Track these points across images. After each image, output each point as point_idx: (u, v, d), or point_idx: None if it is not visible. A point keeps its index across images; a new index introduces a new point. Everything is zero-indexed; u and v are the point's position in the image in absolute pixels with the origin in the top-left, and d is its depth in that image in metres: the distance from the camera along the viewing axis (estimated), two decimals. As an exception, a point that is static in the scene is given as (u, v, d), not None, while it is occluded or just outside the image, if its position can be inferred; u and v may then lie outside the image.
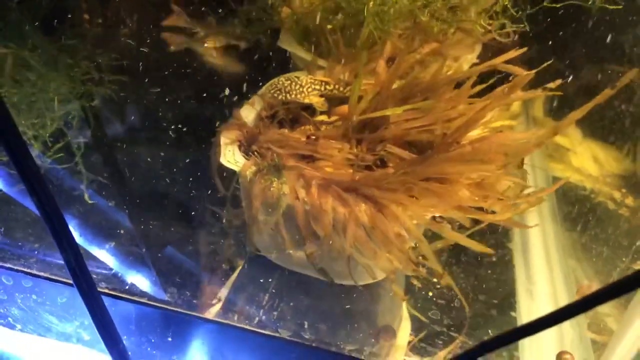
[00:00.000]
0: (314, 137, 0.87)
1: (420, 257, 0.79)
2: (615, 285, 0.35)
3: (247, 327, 0.80)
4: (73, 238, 0.61)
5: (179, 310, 0.79)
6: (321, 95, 0.91)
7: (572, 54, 1.12)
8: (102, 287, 0.79)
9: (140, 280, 0.85)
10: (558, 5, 0.93)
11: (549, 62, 0.85)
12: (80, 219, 0.91)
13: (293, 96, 0.88)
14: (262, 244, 0.89)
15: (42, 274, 0.77)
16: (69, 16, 0.93)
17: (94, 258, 0.88)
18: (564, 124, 0.73)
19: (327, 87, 0.90)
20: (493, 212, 0.75)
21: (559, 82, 0.91)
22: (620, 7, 0.92)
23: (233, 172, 0.81)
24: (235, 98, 0.93)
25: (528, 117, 1.23)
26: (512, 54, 0.87)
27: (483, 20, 0.95)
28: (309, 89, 0.89)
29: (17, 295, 0.81)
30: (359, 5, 0.93)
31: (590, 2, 0.93)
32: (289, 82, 0.88)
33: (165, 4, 1.05)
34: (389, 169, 0.83)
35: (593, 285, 0.95)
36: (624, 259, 0.96)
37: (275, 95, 0.89)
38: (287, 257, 0.86)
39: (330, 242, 0.75)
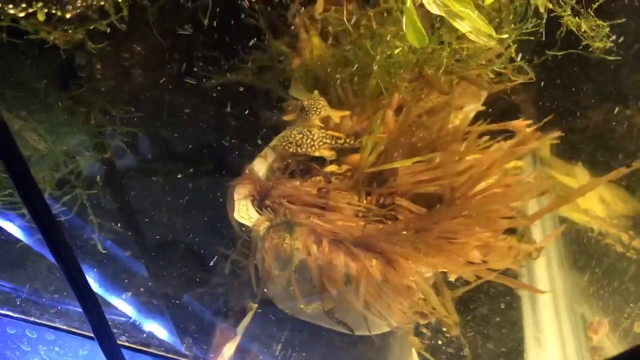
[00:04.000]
0: (324, 190, 0.90)
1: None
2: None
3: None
4: (95, 297, 0.64)
5: (195, 363, 0.82)
6: (332, 148, 0.94)
7: (576, 97, 1.15)
8: (121, 340, 0.82)
9: (157, 329, 0.88)
10: (561, 53, 0.94)
11: (551, 116, 0.88)
12: (98, 269, 0.94)
13: (304, 149, 0.91)
14: (275, 295, 0.91)
15: (64, 327, 0.80)
16: (82, 70, 0.96)
17: (111, 306, 0.91)
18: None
19: (338, 141, 0.93)
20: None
21: (558, 133, 0.93)
22: (619, 58, 0.93)
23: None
24: (250, 146, 0.97)
25: (535, 157, 1.25)
26: (519, 124, 0.89)
27: (489, 70, 0.98)
28: (320, 143, 0.92)
29: (41, 348, 0.84)
30: (366, 57, 0.96)
31: (590, 50, 0.95)
32: (300, 135, 0.91)
33: (177, 51, 1.08)
34: (398, 222, 0.85)
35: (603, 321, 0.96)
36: (631, 305, 0.97)
37: (287, 147, 0.92)
38: (299, 308, 0.88)
39: (344, 297, 0.77)
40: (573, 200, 0.75)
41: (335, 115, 0.93)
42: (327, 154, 0.92)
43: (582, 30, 0.83)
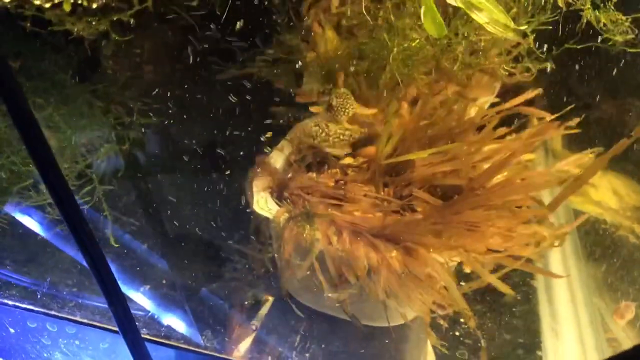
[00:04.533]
0: (342, 182, 0.90)
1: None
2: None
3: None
4: (120, 291, 0.65)
5: (215, 354, 0.82)
6: (347, 144, 0.93)
7: (591, 88, 1.15)
8: (143, 333, 0.82)
9: (176, 322, 0.88)
10: (580, 46, 0.94)
11: (570, 107, 0.88)
12: (117, 262, 0.94)
13: (317, 142, 0.91)
14: (293, 287, 0.92)
15: (85, 320, 0.80)
16: (101, 63, 0.96)
17: (131, 300, 0.91)
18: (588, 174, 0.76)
19: (354, 135, 0.93)
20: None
21: (577, 120, 0.94)
22: (640, 50, 0.93)
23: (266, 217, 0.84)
24: (265, 138, 0.97)
25: (547, 150, 1.25)
26: (529, 94, 0.90)
27: (505, 62, 0.98)
28: (335, 138, 0.91)
29: (61, 341, 0.84)
30: (382, 51, 0.96)
31: (610, 43, 0.94)
32: (317, 128, 0.91)
33: (192, 44, 1.07)
34: (417, 214, 0.85)
35: (631, 306, 0.97)
36: (647, 295, 0.97)
37: (303, 139, 0.92)
38: (317, 299, 0.89)
39: (364, 286, 0.78)
40: (585, 182, 0.75)
41: (363, 112, 0.92)
42: (338, 152, 0.92)
43: (602, 23, 0.83)
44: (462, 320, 0.92)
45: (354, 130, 0.92)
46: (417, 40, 0.90)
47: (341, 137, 0.92)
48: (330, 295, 0.80)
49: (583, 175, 0.77)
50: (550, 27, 0.86)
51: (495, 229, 0.75)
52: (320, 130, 0.91)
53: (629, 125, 1.14)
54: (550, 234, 0.76)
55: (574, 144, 1.22)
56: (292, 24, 1.06)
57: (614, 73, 1.08)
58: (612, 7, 0.80)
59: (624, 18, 0.81)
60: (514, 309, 0.95)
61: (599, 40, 0.89)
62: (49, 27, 0.63)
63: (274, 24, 1.04)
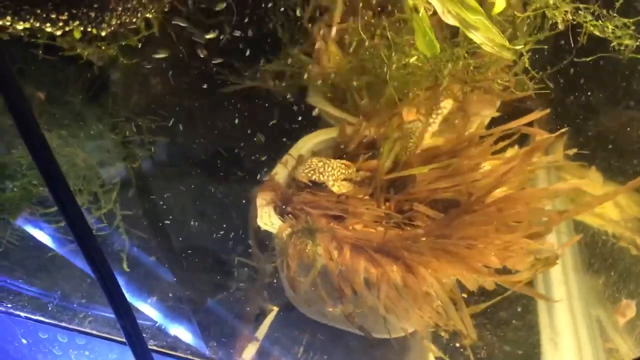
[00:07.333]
0: (344, 196, 0.92)
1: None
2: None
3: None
4: (128, 304, 0.67)
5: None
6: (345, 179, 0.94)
7: (591, 99, 1.15)
8: (151, 345, 0.84)
9: (183, 333, 0.90)
10: (589, 59, 0.94)
11: (565, 129, 0.90)
12: (124, 274, 0.97)
13: (325, 178, 0.91)
14: (297, 300, 0.94)
15: (94, 332, 0.83)
16: (110, 84, 0.98)
17: (138, 311, 0.93)
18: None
19: (349, 170, 0.94)
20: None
21: (575, 150, 0.95)
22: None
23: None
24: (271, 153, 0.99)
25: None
26: (534, 116, 0.91)
27: (502, 78, 0.99)
28: (338, 172, 0.92)
29: (72, 352, 0.87)
30: (383, 66, 0.98)
31: (616, 49, 0.94)
32: (321, 163, 0.91)
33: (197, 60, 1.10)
34: (417, 228, 0.87)
35: (631, 304, 0.98)
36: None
37: (309, 174, 0.91)
38: (321, 312, 0.90)
39: (364, 301, 0.80)
40: (594, 208, 0.76)
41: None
42: (338, 188, 0.93)
43: (610, 30, 0.83)
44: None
45: (348, 164, 0.94)
46: (417, 57, 0.92)
47: (340, 170, 0.92)
48: (331, 309, 0.82)
49: (594, 201, 0.79)
50: (545, 47, 0.87)
51: (493, 246, 0.76)
52: (326, 165, 0.91)
53: (630, 135, 1.14)
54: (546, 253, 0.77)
55: (577, 155, 1.23)
56: (297, 39, 1.08)
57: (615, 84, 1.09)
58: (615, 14, 0.81)
59: (630, 21, 0.82)
60: (514, 321, 0.97)
61: (608, 49, 0.89)
62: (59, 53, 0.65)
63: (280, 40, 1.06)
